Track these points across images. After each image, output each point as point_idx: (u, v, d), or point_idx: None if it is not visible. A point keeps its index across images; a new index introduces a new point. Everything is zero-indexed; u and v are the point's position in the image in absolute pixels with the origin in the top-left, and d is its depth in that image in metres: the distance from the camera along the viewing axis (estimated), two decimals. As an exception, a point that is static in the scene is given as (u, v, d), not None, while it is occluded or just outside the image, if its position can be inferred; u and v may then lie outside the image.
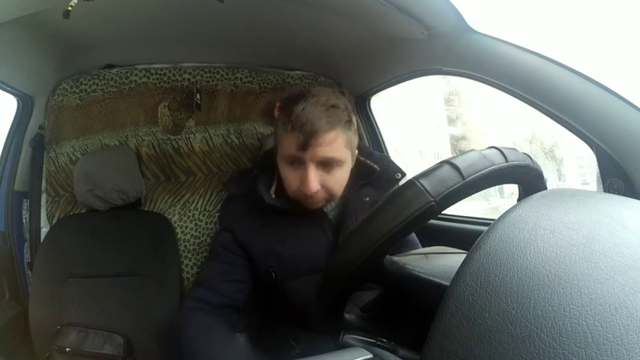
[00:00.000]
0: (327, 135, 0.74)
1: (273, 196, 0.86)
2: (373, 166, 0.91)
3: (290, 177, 0.80)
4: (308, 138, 0.73)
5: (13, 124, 1.17)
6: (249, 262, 0.87)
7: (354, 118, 0.82)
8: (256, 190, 0.86)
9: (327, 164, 0.77)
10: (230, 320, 0.83)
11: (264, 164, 0.91)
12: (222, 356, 0.74)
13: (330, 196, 0.81)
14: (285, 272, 0.84)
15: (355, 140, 0.83)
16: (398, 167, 0.93)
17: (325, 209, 0.87)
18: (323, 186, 0.78)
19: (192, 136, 1.31)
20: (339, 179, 0.81)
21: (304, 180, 0.76)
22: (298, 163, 0.77)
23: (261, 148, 1.29)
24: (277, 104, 1.42)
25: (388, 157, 0.96)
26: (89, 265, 1.09)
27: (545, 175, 0.45)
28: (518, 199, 0.44)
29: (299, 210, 0.83)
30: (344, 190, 0.85)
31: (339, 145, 0.77)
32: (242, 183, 0.95)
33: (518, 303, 0.27)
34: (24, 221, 1.18)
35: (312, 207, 0.82)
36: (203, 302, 0.83)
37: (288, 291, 0.84)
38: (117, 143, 1.25)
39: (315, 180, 0.76)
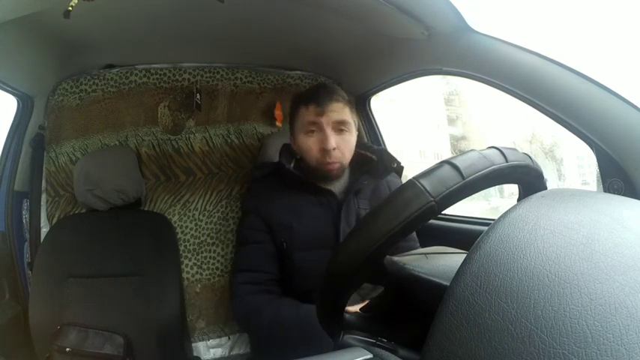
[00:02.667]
0: (338, 104, 0.96)
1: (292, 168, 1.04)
2: (371, 157, 1.06)
3: (310, 143, 0.96)
4: (324, 105, 0.94)
5: (13, 124, 1.17)
6: (271, 235, 1.01)
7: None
8: (278, 167, 1.04)
9: (338, 128, 0.96)
10: (276, 292, 1.00)
11: (283, 152, 1.07)
12: (301, 309, 0.90)
13: (342, 158, 0.97)
14: (295, 244, 0.99)
15: (356, 118, 1.01)
16: (393, 157, 1.06)
17: (335, 190, 1.01)
18: (338, 147, 0.95)
19: (192, 136, 1.31)
20: (349, 143, 0.98)
21: (324, 139, 0.94)
22: (317, 129, 0.95)
23: (261, 148, 1.29)
24: (277, 104, 1.42)
25: (384, 149, 1.10)
26: (89, 265, 1.09)
27: (545, 175, 0.45)
28: (518, 199, 0.44)
29: (312, 181, 1.00)
30: (349, 179, 1.04)
31: (347, 112, 0.97)
32: (263, 167, 1.13)
33: (518, 303, 0.27)
34: (24, 221, 1.18)
35: (328, 169, 0.97)
36: (252, 284, 0.99)
37: (297, 263, 0.98)
38: (117, 143, 1.25)
39: (332, 138, 0.94)
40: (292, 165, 1.05)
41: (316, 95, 0.96)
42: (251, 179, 1.15)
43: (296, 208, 1.00)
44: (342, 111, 0.96)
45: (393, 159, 1.05)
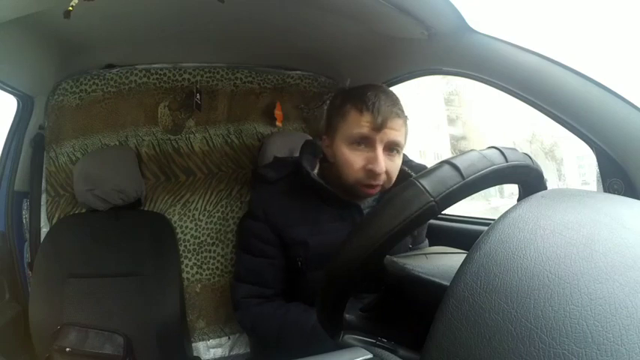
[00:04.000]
0: (398, 120, 0.81)
1: (317, 175, 0.89)
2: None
3: (354, 157, 0.82)
4: (385, 120, 0.79)
5: (13, 124, 1.17)
6: (283, 249, 0.90)
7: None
8: (297, 170, 0.89)
9: (391, 148, 0.83)
10: (281, 300, 0.92)
11: (305, 150, 0.94)
12: (307, 313, 0.83)
13: (387, 182, 0.84)
14: (311, 263, 0.88)
15: (407, 136, 0.88)
16: None
17: (362, 205, 0.89)
18: (386, 170, 0.82)
19: (192, 136, 1.31)
20: (397, 167, 0.85)
21: (374, 159, 0.80)
22: (366, 144, 0.81)
23: (261, 148, 1.29)
24: (277, 104, 1.42)
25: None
26: (89, 265, 1.09)
27: (545, 175, 0.45)
28: (518, 199, 0.44)
29: (339, 194, 0.87)
30: (379, 193, 0.90)
31: (403, 133, 0.84)
32: (279, 168, 0.97)
33: (518, 303, 0.27)
34: (24, 221, 1.18)
35: (367, 192, 0.84)
36: (259, 297, 0.91)
37: (311, 282, 0.88)
38: (117, 143, 1.25)
39: (383, 159, 0.80)
40: (317, 169, 0.91)
41: (376, 102, 0.80)
42: (258, 177, 0.99)
43: (313, 220, 0.88)
44: (400, 130, 0.82)
45: None
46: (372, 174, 0.81)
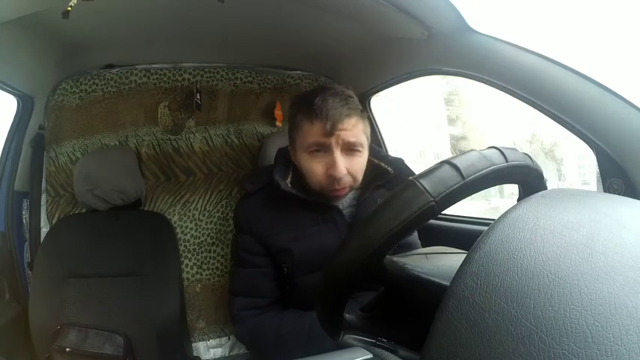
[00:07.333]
0: (350, 120, 0.81)
1: (290, 185, 0.90)
2: (387, 169, 0.94)
3: (314, 165, 0.83)
4: (334, 123, 0.79)
5: (13, 124, 1.17)
6: (270, 258, 0.91)
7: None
8: (272, 180, 0.90)
9: (349, 149, 0.82)
10: (277, 309, 0.93)
11: (278, 159, 0.95)
12: (302, 319, 0.84)
13: (353, 182, 0.85)
14: (297, 268, 0.88)
15: (368, 129, 0.88)
16: (411, 170, 0.94)
17: (341, 206, 0.90)
18: (348, 171, 0.82)
19: (192, 136, 1.31)
20: (360, 165, 0.85)
21: (332, 164, 0.81)
22: (323, 150, 0.82)
23: (261, 148, 1.29)
24: (277, 104, 1.42)
25: (402, 160, 0.97)
26: (89, 265, 1.09)
27: (545, 175, 0.45)
28: (518, 199, 0.44)
29: (315, 200, 0.87)
30: (358, 191, 0.91)
31: (359, 131, 0.83)
32: (256, 179, 0.98)
33: (518, 303, 0.27)
34: (24, 221, 1.18)
35: (335, 195, 0.85)
36: (252, 309, 0.91)
37: (299, 287, 0.89)
38: (117, 143, 1.25)
39: (342, 163, 0.81)
40: (290, 177, 0.92)
41: (323, 108, 0.79)
42: (244, 190, 1.01)
43: (295, 227, 0.89)
44: (354, 129, 0.81)
45: (410, 172, 0.91)
46: (333, 179, 0.82)
